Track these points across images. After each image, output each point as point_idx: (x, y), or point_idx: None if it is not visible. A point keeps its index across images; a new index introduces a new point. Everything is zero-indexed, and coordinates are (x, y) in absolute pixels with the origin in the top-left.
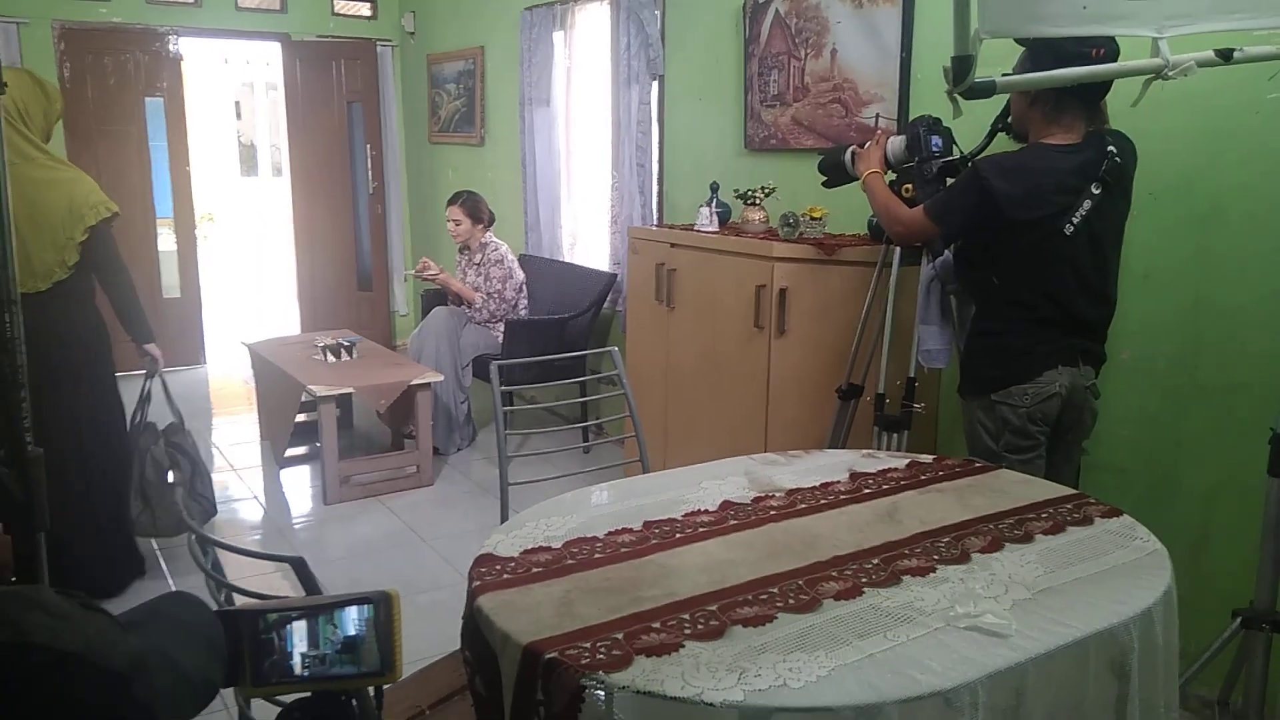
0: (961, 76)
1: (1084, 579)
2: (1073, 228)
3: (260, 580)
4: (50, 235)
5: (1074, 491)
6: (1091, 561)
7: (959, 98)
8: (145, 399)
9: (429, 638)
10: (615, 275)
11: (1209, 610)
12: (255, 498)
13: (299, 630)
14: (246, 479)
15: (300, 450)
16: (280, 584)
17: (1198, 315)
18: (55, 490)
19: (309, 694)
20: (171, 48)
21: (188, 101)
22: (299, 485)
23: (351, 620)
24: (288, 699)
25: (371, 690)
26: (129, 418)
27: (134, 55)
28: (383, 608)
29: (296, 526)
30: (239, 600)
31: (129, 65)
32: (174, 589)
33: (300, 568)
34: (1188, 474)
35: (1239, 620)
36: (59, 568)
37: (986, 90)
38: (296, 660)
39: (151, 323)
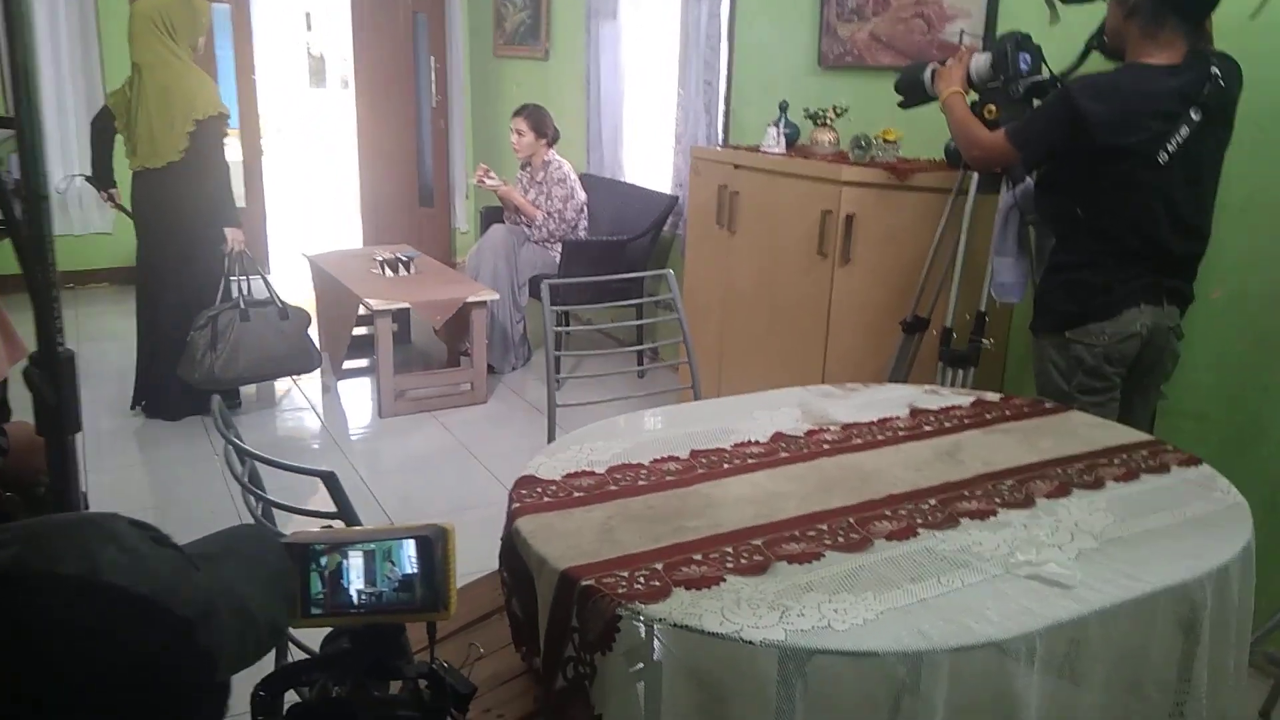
0: None
1: (1157, 530)
2: (1168, 156)
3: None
4: (170, 122)
5: (1150, 437)
6: (1166, 512)
7: (1059, 2)
8: (228, 274)
9: (476, 554)
10: (677, 197)
11: None
12: (313, 408)
13: (355, 566)
14: (306, 389)
15: (360, 363)
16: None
17: None
18: (168, 329)
19: None
20: None
21: (256, 10)
22: (356, 398)
23: (408, 557)
24: None
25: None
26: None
27: None
28: (439, 544)
29: (353, 438)
30: (292, 523)
31: None
32: (248, 521)
33: (331, 482)
34: (1273, 422)
35: None
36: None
37: None
38: (353, 595)
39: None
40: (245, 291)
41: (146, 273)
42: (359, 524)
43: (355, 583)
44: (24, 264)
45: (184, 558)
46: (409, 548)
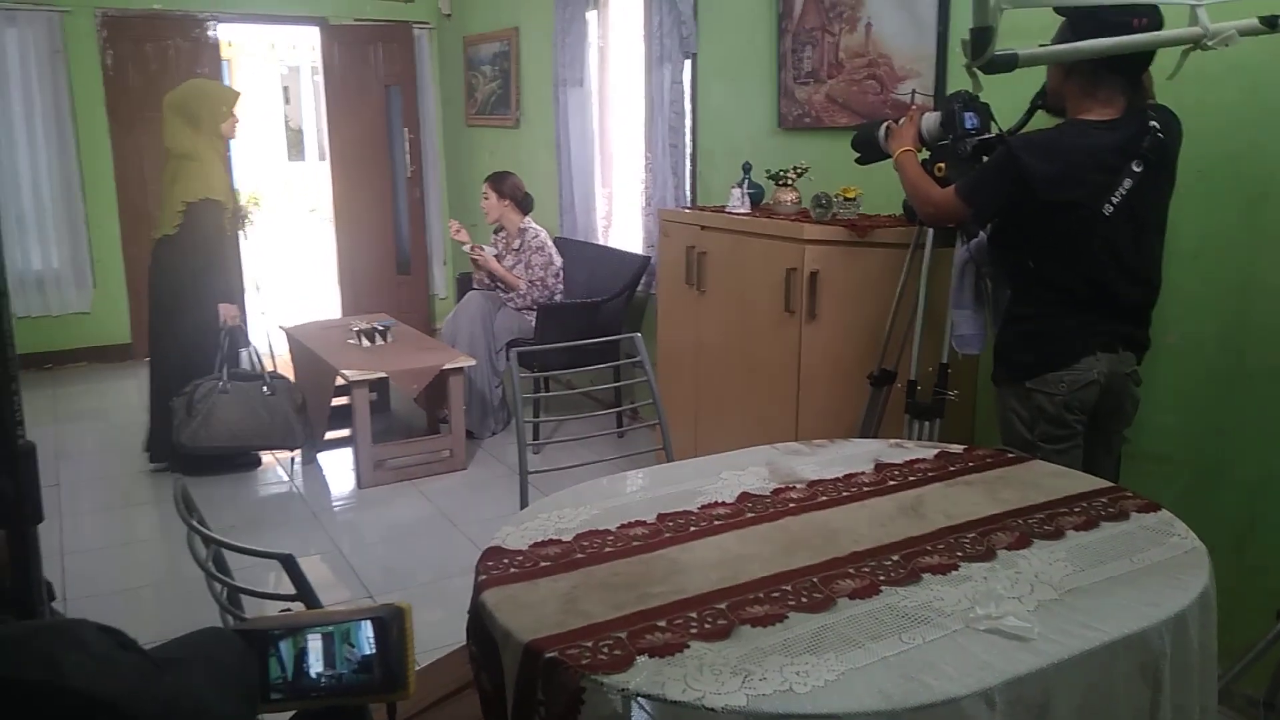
0: (980, 49)
1: (1116, 578)
2: (1112, 208)
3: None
4: (171, 200)
5: (1110, 484)
6: (1124, 560)
7: (979, 72)
8: (221, 345)
9: (460, 623)
10: (649, 258)
11: (1255, 605)
12: (293, 481)
13: (315, 649)
14: (284, 462)
15: (342, 433)
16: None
17: (1247, 297)
18: (168, 392)
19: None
20: (210, 34)
21: (237, 87)
22: (336, 469)
23: (366, 638)
24: None
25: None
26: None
27: (175, 42)
28: (395, 624)
29: (334, 510)
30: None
31: (169, 52)
32: (213, 625)
33: (290, 565)
34: (1235, 463)
35: None
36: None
37: (1008, 64)
38: (314, 678)
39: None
40: (237, 364)
41: (151, 331)
42: (319, 605)
43: (315, 665)
44: None
45: (149, 663)
46: (366, 629)
